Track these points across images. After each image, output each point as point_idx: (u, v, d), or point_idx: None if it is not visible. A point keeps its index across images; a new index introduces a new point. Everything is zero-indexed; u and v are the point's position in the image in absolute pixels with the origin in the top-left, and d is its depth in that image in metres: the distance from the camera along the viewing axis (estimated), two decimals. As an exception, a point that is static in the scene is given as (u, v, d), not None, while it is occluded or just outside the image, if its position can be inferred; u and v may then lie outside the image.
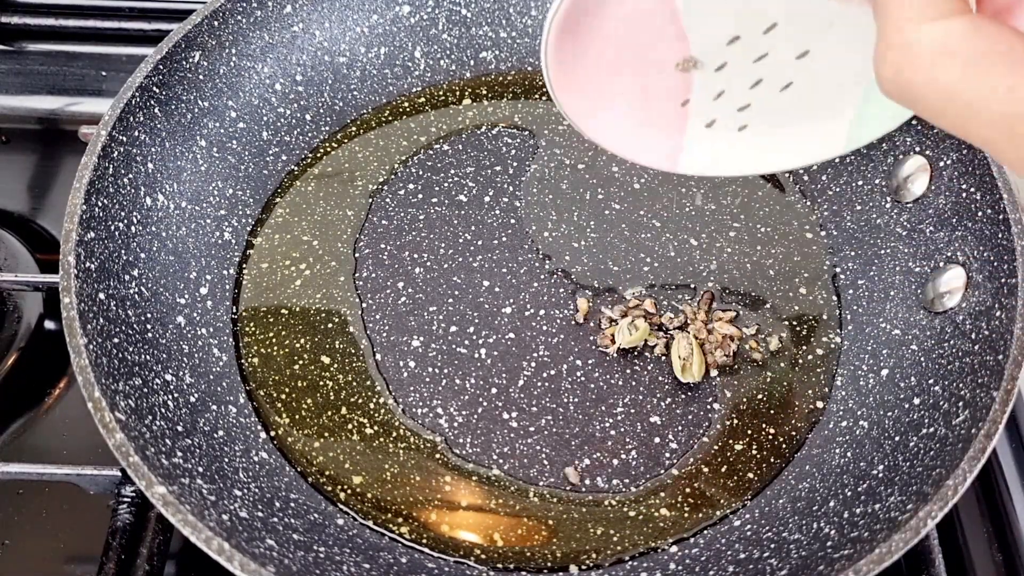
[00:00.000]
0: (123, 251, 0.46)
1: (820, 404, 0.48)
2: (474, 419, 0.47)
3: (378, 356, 0.49)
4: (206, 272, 0.51)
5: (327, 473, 0.45)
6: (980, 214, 0.46)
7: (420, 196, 0.56)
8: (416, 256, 0.53)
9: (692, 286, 0.52)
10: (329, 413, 0.47)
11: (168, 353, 0.45)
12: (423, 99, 0.60)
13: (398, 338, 0.50)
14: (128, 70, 0.50)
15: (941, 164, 0.49)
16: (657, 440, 0.46)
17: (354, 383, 0.48)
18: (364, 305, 0.51)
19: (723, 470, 0.46)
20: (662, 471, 0.45)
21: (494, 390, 0.48)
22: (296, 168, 0.57)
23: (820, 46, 0.35)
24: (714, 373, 0.49)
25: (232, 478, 0.41)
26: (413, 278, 0.52)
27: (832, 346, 0.50)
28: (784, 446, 0.46)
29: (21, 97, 0.65)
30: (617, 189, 0.56)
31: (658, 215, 0.55)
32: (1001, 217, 0.44)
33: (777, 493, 0.45)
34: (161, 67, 0.49)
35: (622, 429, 0.47)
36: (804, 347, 0.50)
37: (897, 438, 0.43)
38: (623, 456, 0.46)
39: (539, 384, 0.48)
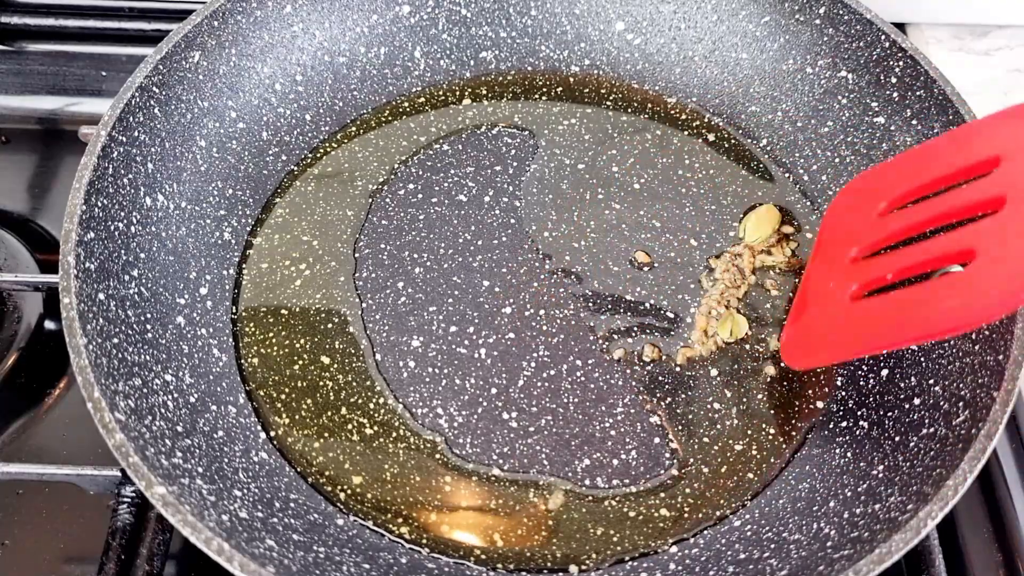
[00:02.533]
0: (123, 251, 0.46)
1: (820, 404, 0.48)
2: (474, 419, 0.47)
3: (378, 356, 0.49)
4: (206, 272, 0.51)
5: (327, 473, 0.45)
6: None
7: (420, 196, 0.56)
8: (416, 256, 0.53)
9: (692, 285, 0.52)
10: (329, 413, 0.47)
11: (168, 353, 0.45)
12: (423, 99, 0.60)
13: (398, 338, 0.50)
14: (128, 70, 0.50)
15: (941, 164, 0.49)
16: (657, 440, 0.46)
17: (354, 383, 0.48)
18: (364, 305, 0.51)
19: (723, 470, 0.45)
20: (662, 471, 0.45)
21: (494, 390, 0.48)
22: (296, 168, 0.57)
23: None
24: (714, 372, 0.49)
25: (232, 478, 0.41)
26: (413, 278, 0.52)
27: (832, 346, 0.50)
28: (784, 446, 0.46)
29: (21, 97, 0.65)
30: (617, 189, 0.56)
31: (658, 215, 0.55)
32: (1001, 217, 0.44)
33: (777, 493, 0.45)
34: (161, 67, 0.49)
35: (622, 429, 0.47)
36: (804, 347, 0.50)
37: (897, 438, 0.43)
38: (623, 456, 0.46)
39: (539, 384, 0.48)
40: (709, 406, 0.48)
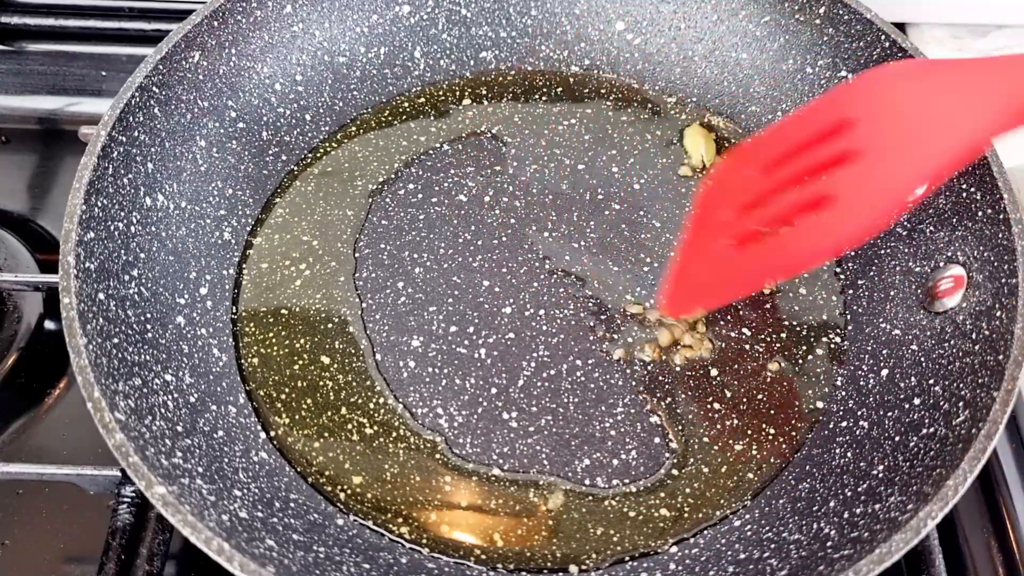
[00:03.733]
0: (123, 251, 0.46)
1: (820, 404, 0.48)
2: (474, 419, 0.47)
3: (378, 356, 0.49)
4: (206, 272, 0.51)
5: (327, 473, 0.45)
6: (980, 214, 0.46)
7: (420, 196, 0.56)
8: (416, 256, 0.53)
9: (692, 286, 0.52)
10: (329, 413, 0.47)
11: (168, 353, 0.45)
12: (423, 99, 0.60)
13: (398, 338, 0.50)
14: (128, 70, 0.50)
15: (941, 164, 0.49)
16: (657, 440, 0.46)
17: (354, 383, 0.48)
18: (364, 305, 0.51)
19: (723, 470, 0.45)
20: (662, 471, 0.45)
21: (494, 390, 0.48)
22: (296, 168, 0.57)
23: None
24: (714, 372, 0.49)
25: (232, 478, 0.41)
26: (413, 278, 0.52)
27: (832, 346, 0.50)
28: (784, 446, 0.46)
29: (21, 97, 0.65)
30: (617, 189, 0.56)
31: (658, 215, 0.55)
32: (1001, 217, 0.44)
33: (777, 493, 0.45)
34: (161, 67, 0.49)
35: (622, 429, 0.47)
36: (804, 347, 0.50)
37: (897, 438, 0.43)
38: (623, 456, 0.46)
39: (539, 384, 0.48)
40: (709, 406, 0.48)
